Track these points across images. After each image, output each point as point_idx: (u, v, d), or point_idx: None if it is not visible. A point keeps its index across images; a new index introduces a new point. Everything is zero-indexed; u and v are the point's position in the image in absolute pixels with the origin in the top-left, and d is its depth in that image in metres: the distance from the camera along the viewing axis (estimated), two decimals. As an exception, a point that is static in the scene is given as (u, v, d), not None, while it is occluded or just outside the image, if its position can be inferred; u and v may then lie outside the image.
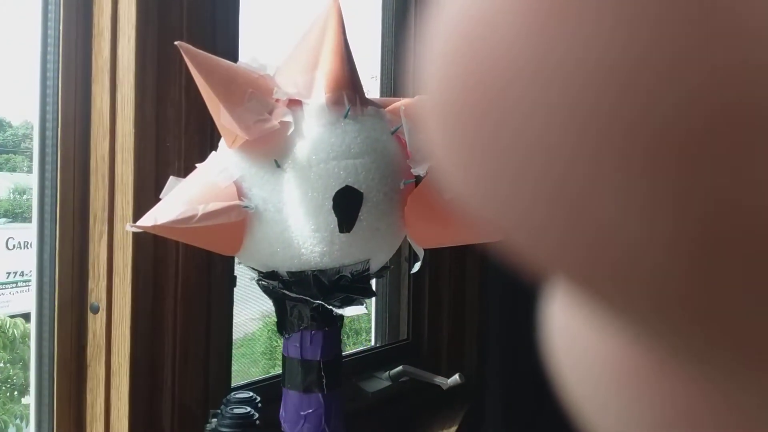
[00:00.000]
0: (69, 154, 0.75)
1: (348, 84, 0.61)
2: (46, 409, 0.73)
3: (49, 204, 0.75)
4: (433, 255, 1.23)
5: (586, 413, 0.11)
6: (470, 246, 1.09)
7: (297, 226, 0.60)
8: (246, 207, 0.59)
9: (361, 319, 1.50)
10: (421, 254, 0.70)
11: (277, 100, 0.60)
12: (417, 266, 0.72)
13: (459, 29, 0.08)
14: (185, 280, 0.81)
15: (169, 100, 0.79)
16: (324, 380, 0.64)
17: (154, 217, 0.58)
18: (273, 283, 0.63)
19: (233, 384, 0.91)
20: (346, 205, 0.60)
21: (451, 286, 1.42)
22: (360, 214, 0.60)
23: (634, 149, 0.07)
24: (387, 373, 1.18)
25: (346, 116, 0.61)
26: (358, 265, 0.63)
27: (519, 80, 0.07)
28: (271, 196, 0.60)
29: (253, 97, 0.58)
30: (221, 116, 0.58)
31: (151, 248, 0.78)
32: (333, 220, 0.60)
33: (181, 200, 0.60)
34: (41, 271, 0.75)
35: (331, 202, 0.59)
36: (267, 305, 0.69)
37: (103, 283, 0.76)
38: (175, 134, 0.79)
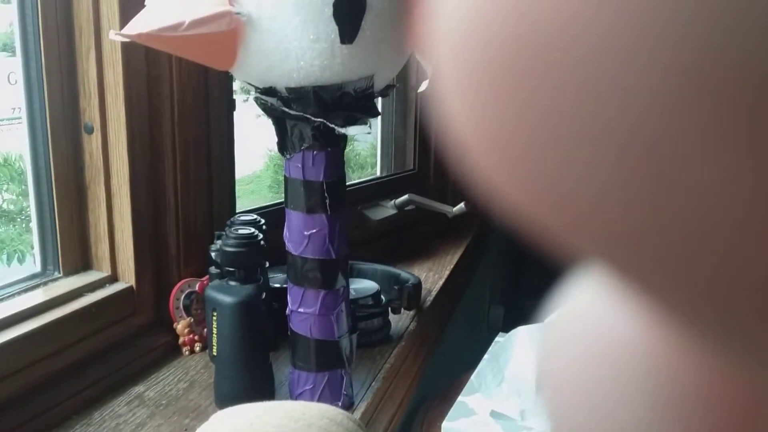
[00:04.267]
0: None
1: None
2: (49, 230, 0.73)
3: (31, 18, 0.69)
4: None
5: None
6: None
7: (294, 35, 0.55)
8: (238, 14, 0.54)
9: (366, 153, 1.47)
10: (429, 71, 0.65)
11: None
12: (425, 84, 0.67)
13: None
14: (181, 101, 0.77)
15: None
16: (328, 201, 0.63)
17: (139, 26, 0.54)
18: (271, 100, 0.60)
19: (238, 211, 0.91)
20: (348, 12, 0.54)
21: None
22: (363, 22, 0.55)
23: (738, 99, 0.06)
24: (392, 201, 1.18)
25: None
26: (362, 82, 0.59)
27: (591, 26, 0.06)
28: (265, 2, 0.54)
29: None
30: None
31: (144, 65, 0.73)
32: (334, 29, 0.55)
33: (168, 7, 0.54)
34: (30, 92, 0.71)
35: (332, 9, 0.54)
36: (272, 142, 0.66)
37: (95, 102, 0.72)
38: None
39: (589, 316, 0.11)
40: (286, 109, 0.59)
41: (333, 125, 0.59)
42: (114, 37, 0.53)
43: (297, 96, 0.58)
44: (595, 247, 0.07)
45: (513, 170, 0.08)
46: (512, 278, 2.21)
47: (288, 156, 0.63)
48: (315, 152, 0.62)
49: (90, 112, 0.73)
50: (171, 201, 0.78)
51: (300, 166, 0.62)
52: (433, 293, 1.03)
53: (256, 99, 0.61)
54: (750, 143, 0.06)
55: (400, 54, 0.61)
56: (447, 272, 1.12)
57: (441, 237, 1.24)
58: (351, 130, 0.60)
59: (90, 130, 0.73)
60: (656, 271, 0.07)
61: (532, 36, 0.07)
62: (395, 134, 1.32)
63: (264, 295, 0.70)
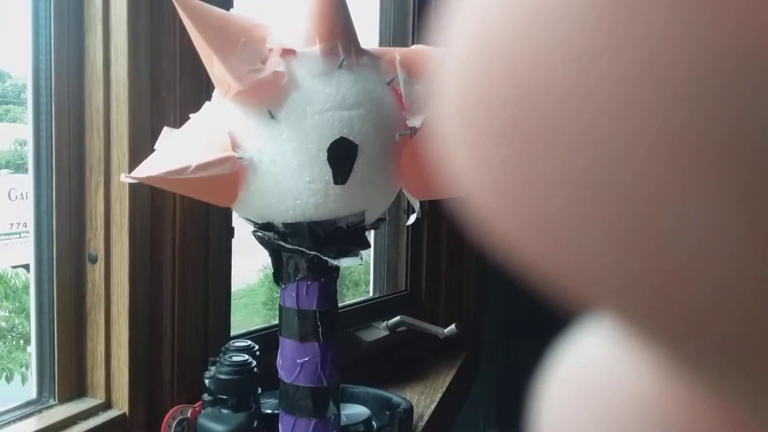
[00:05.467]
0: (63, 105, 0.75)
1: (342, 33, 0.60)
2: (47, 357, 0.75)
3: (45, 156, 0.74)
4: (431, 206, 1.23)
5: None
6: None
7: (292, 177, 0.60)
8: (240, 158, 0.59)
9: (360, 271, 1.51)
10: (416, 206, 0.70)
11: (271, 50, 0.59)
12: (413, 218, 0.72)
13: (495, 8, 0.07)
14: (183, 231, 0.81)
15: (164, 50, 0.78)
16: (320, 329, 0.65)
17: (148, 169, 0.58)
18: (269, 234, 0.64)
19: (233, 333, 0.93)
20: (341, 157, 0.60)
21: (450, 237, 1.42)
22: (355, 165, 0.60)
23: (733, 150, 0.06)
24: (384, 323, 1.20)
25: (340, 66, 0.60)
26: (354, 217, 0.63)
27: (588, 74, 0.06)
28: (265, 148, 0.59)
29: (246, 46, 0.57)
30: (214, 66, 0.57)
31: (148, 199, 0.78)
32: (328, 171, 0.60)
33: (175, 151, 0.60)
34: (39, 222, 0.75)
35: (326, 154, 0.59)
36: (268, 257, 0.69)
37: (101, 233, 0.76)
38: (170, 84, 0.78)
39: (597, 367, 0.10)
40: (282, 243, 0.63)
41: (326, 258, 0.63)
42: (124, 179, 0.58)
43: (293, 231, 0.63)
44: (609, 300, 0.07)
45: (517, 219, 0.08)
46: (509, 399, 2.17)
47: (283, 286, 0.66)
48: (309, 282, 0.65)
49: (95, 243, 0.77)
50: (168, 327, 0.80)
51: (294, 296, 0.66)
52: (426, 417, 1.03)
53: (254, 233, 0.65)
54: (739, 198, 0.06)
55: (388, 192, 0.66)
56: (439, 395, 1.12)
57: (433, 357, 1.25)
58: (343, 262, 0.64)
59: (94, 260, 0.77)
60: (671, 325, 0.07)
61: (529, 105, 0.07)
62: (388, 256, 1.36)
63: (255, 424, 0.70)
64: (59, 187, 0.74)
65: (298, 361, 0.65)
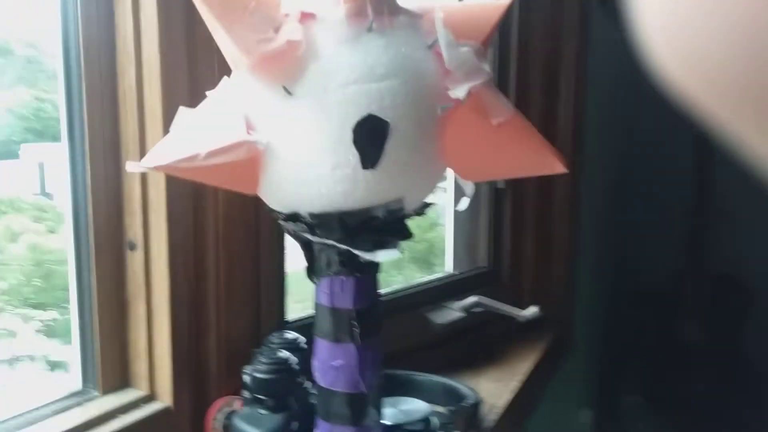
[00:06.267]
0: (95, 84, 0.70)
1: (371, -10, 0.51)
2: (90, 349, 0.73)
3: (79, 139, 0.71)
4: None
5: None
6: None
7: (314, 162, 0.52)
8: (255, 142, 0.52)
9: (434, 247, 1.42)
10: (468, 190, 0.60)
11: (287, 15, 0.51)
12: (464, 202, 0.62)
13: None
14: (227, 213, 0.76)
15: (198, 19, 0.71)
16: (357, 330, 0.58)
17: (157, 157, 0.53)
18: (295, 225, 0.57)
19: (295, 317, 0.87)
20: (370, 138, 0.51)
21: (536, 206, 1.31)
22: (387, 147, 0.52)
23: None
24: (459, 303, 1.11)
25: (369, 29, 0.51)
26: (390, 205, 0.55)
27: None
28: (282, 129, 0.52)
29: (256, 11, 0.49)
30: (218, 36, 0.50)
31: (188, 181, 0.73)
32: (355, 155, 0.51)
33: (187, 135, 0.53)
34: (76, 210, 0.72)
35: (352, 135, 0.51)
36: None
37: (139, 220, 0.72)
38: (207, 58, 0.72)
39: None
40: (309, 236, 0.56)
41: (359, 251, 0.55)
42: (131, 168, 0.52)
43: (321, 222, 0.55)
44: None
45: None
46: (607, 374, 2.04)
47: (316, 281, 0.59)
48: (344, 278, 0.58)
49: (134, 230, 0.73)
50: (213, 318, 0.76)
51: (328, 292, 0.59)
52: (502, 406, 0.94)
53: (281, 224, 0.58)
54: None
55: (430, 174, 0.57)
56: (516, 382, 1.03)
57: (514, 340, 1.15)
58: (379, 256, 0.56)
59: (133, 247, 0.73)
60: None
61: None
62: (467, 229, 1.26)
63: (297, 426, 0.65)
64: (95, 172, 0.71)
65: (333, 364, 0.59)
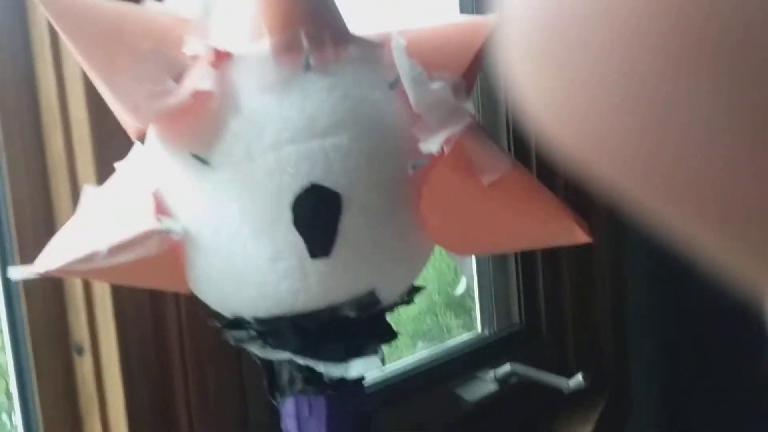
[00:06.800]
0: (17, 153, 0.58)
1: (305, 16, 0.38)
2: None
3: (6, 221, 0.59)
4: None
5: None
6: (593, 196, 0.82)
7: (245, 252, 0.38)
8: (168, 231, 0.38)
9: (470, 288, 1.25)
10: (467, 268, 0.45)
11: (195, 57, 0.38)
12: (462, 285, 0.47)
13: None
14: (191, 300, 0.63)
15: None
16: (335, 467, 0.43)
17: (49, 258, 0.40)
18: (240, 334, 0.42)
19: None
20: (316, 216, 0.37)
21: (572, 249, 1.14)
22: (341, 225, 0.37)
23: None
24: (491, 373, 0.95)
25: (306, 68, 0.37)
26: (360, 300, 0.40)
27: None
28: (201, 211, 0.38)
29: (151, 55, 0.36)
30: (102, 91, 0.37)
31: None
32: (299, 240, 0.37)
33: (86, 227, 0.40)
34: (10, 309, 0.60)
35: (291, 214, 0.37)
36: None
37: (83, 318, 0.60)
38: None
39: None
40: (257, 349, 0.41)
41: (325, 364, 0.41)
42: (14, 276, 0.39)
43: (270, 329, 0.41)
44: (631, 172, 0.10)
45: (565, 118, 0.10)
46: None
47: (278, 402, 0.45)
48: (312, 397, 0.43)
49: (79, 330, 0.60)
50: (185, 430, 0.62)
51: (293, 415, 0.44)
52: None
53: (223, 332, 0.44)
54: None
55: (407, 255, 0.42)
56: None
57: (557, 415, 0.98)
58: (353, 369, 0.41)
59: (81, 351, 0.61)
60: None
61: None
62: (494, 282, 1.11)
63: None
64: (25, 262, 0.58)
65: None
